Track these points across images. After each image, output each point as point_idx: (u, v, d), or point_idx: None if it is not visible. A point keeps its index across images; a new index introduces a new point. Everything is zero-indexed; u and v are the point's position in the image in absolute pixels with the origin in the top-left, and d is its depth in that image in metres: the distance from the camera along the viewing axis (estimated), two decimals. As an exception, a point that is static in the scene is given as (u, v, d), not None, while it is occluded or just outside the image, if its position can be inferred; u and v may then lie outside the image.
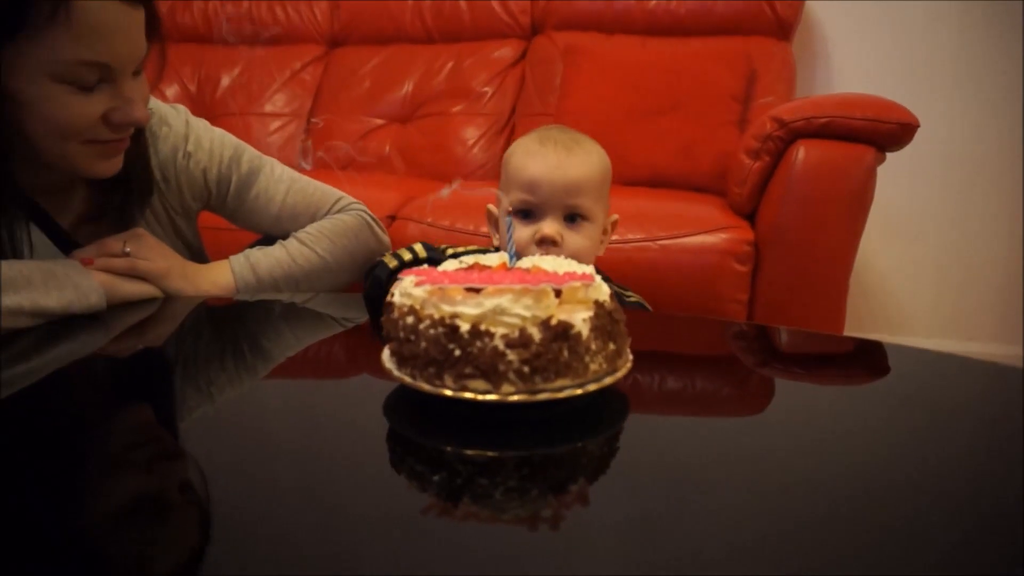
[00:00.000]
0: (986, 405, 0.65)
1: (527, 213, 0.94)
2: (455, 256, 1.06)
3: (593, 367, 0.55)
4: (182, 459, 0.54)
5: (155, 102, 0.94)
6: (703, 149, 1.72)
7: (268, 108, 2.25)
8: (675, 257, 1.25)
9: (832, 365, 0.78)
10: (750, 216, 1.32)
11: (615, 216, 1.02)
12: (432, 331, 0.53)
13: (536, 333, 0.52)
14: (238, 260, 0.96)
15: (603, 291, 0.58)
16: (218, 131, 1.00)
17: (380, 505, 0.45)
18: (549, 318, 0.52)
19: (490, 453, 0.53)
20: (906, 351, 0.77)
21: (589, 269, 0.60)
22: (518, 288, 0.52)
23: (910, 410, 0.61)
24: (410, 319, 0.54)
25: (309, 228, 1.00)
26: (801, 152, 1.22)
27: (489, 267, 0.61)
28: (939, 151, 2.14)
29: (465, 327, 0.52)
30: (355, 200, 1.06)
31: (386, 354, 0.59)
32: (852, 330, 1.88)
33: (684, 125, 1.75)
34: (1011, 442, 0.54)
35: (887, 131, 1.19)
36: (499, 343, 0.51)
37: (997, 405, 0.64)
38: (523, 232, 0.93)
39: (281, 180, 1.01)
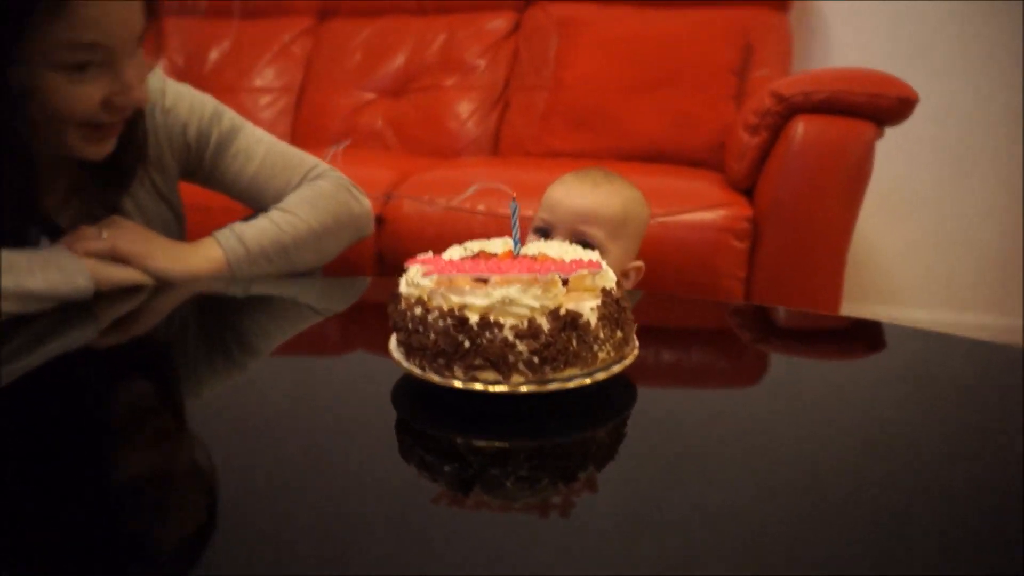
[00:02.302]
0: (986, 385, 0.65)
1: (544, 232, 1.00)
2: None
3: (601, 355, 0.55)
4: (186, 448, 0.54)
5: None
6: (699, 123, 1.71)
7: (258, 83, 2.21)
8: (673, 234, 1.25)
9: (839, 348, 0.78)
10: (748, 191, 1.31)
11: (640, 263, 1.03)
12: (441, 323, 0.53)
13: (545, 323, 0.52)
14: (223, 233, 0.94)
15: (610, 278, 0.58)
16: (198, 91, 0.99)
17: (390, 494, 0.45)
18: (558, 308, 0.52)
19: (500, 443, 0.53)
20: (917, 334, 0.77)
21: (595, 255, 0.60)
22: (526, 278, 0.52)
23: (927, 397, 0.62)
24: (418, 310, 0.54)
25: (288, 199, 0.99)
26: (800, 127, 1.22)
27: (495, 255, 0.61)
28: (935, 124, 2.13)
29: (474, 318, 0.52)
30: (331, 167, 1.05)
31: (393, 343, 0.59)
32: (847, 302, 1.89)
33: (680, 99, 1.74)
34: (1012, 423, 0.55)
35: (887, 106, 1.18)
36: (508, 334, 0.51)
37: (996, 385, 0.64)
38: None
39: (261, 140, 1.01)
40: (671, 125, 1.72)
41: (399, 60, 2.15)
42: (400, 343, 0.57)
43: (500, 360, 0.52)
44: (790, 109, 1.23)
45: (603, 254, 1.00)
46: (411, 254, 1.48)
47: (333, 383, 0.66)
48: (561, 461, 0.51)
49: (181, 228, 1.03)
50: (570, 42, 1.90)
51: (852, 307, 2.25)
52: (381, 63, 2.16)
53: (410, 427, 0.56)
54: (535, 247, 0.63)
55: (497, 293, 0.52)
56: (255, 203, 1.01)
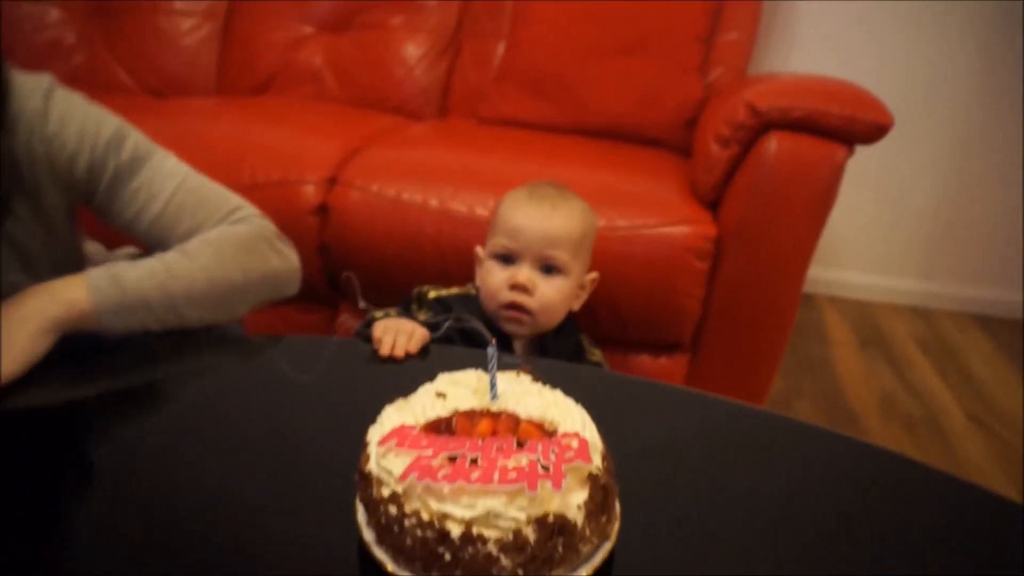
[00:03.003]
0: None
1: (507, 258, 0.99)
2: (437, 299, 1.02)
3: (585, 550, 0.52)
4: None
5: (13, 72, 0.75)
6: (663, 97, 1.63)
7: (178, 5, 1.97)
8: (634, 248, 1.21)
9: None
10: (712, 203, 1.27)
11: (595, 274, 1.05)
12: (419, 532, 0.48)
13: (531, 534, 0.48)
14: (97, 272, 0.78)
15: (596, 457, 0.54)
16: (96, 109, 0.82)
17: None
18: (545, 515, 0.49)
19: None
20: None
21: (578, 417, 0.56)
22: (513, 489, 0.48)
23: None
24: (392, 509, 0.50)
25: (191, 240, 0.82)
26: (774, 144, 1.17)
27: (471, 413, 0.56)
28: (883, 91, 2.11)
29: (456, 531, 0.48)
30: (258, 212, 0.89)
31: (361, 516, 0.54)
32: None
33: (645, 69, 1.64)
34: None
35: (861, 130, 1.14)
36: (492, 548, 0.48)
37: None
38: (499, 275, 1.00)
39: (171, 175, 0.84)
40: (634, 98, 1.63)
41: (339, -11, 1.95)
42: (370, 524, 0.53)
43: (482, 573, 0.48)
44: (764, 124, 1.17)
45: (566, 274, 1.00)
46: (357, 247, 1.39)
47: (289, 526, 0.60)
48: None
49: (79, 266, 0.86)
50: (529, -8, 1.75)
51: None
52: (318, -9, 1.96)
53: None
54: (509, 386, 0.59)
55: (481, 504, 0.48)
56: (160, 249, 0.84)
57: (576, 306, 1.06)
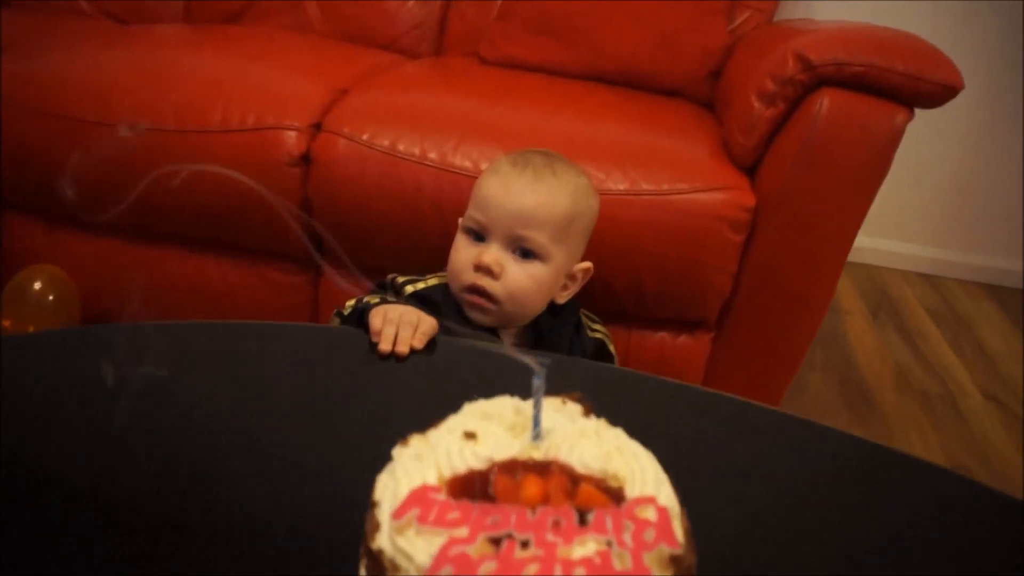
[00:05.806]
0: None
1: (477, 234, 0.86)
2: (415, 295, 0.88)
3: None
4: None
5: None
6: (684, 43, 1.47)
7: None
8: (660, 215, 1.07)
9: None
10: (750, 168, 1.13)
11: (587, 264, 0.91)
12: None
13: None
14: None
15: (678, 528, 0.41)
16: None
17: None
18: (621, 620, 0.37)
19: None
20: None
21: (649, 469, 0.44)
22: (583, 590, 0.35)
23: None
24: (413, 604, 0.37)
25: None
26: (825, 103, 1.02)
27: (511, 464, 0.43)
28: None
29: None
30: None
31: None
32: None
33: (665, 8, 1.47)
34: None
35: (927, 92, 1.00)
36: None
37: None
38: (466, 253, 0.86)
39: None
40: (652, 43, 1.47)
41: (322, -94, 1.73)
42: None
43: None
44: (816, 79, 1.03)
45: (544, 260, 0.84)
46: (345, 204, 1.22)
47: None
48: None
49: None
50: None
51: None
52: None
53: None
54: (557, 422, 0.46)
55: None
56: None
57: (562, 299, 0.92)
